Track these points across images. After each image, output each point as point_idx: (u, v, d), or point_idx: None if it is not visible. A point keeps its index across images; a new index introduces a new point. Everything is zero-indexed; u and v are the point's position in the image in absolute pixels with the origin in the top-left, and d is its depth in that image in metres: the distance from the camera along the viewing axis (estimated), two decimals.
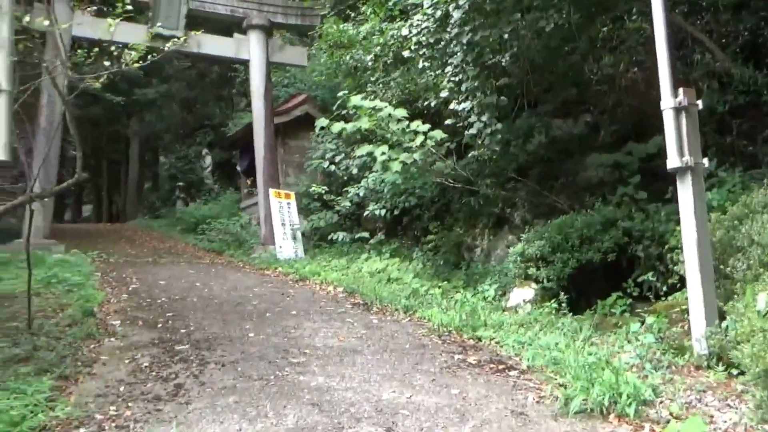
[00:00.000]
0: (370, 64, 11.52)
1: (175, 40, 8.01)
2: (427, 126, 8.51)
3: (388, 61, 10.67)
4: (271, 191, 14.06)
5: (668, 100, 5.24)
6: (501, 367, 5.37)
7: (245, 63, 14.89)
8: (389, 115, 8.65)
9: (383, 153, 8.60)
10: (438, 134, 8.52)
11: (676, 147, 5.12)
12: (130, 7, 6.69)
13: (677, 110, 5.17)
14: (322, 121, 9.48)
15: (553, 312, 7.19)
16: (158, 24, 13.36)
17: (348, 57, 12.41)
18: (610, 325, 6.66)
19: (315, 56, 16.68)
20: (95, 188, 42.27)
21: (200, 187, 24.86)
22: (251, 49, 14.38)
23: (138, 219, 26.97)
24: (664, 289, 6.69)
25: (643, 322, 6.21)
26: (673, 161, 5.13)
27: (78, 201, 45.04)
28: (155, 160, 34.22)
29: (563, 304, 7.26)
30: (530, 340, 6.08)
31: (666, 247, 6.54)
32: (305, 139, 17.00)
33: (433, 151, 8.90)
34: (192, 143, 26.95)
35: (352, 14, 17.00)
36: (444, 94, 9.21)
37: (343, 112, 11.10)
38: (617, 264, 7.47)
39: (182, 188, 24.60)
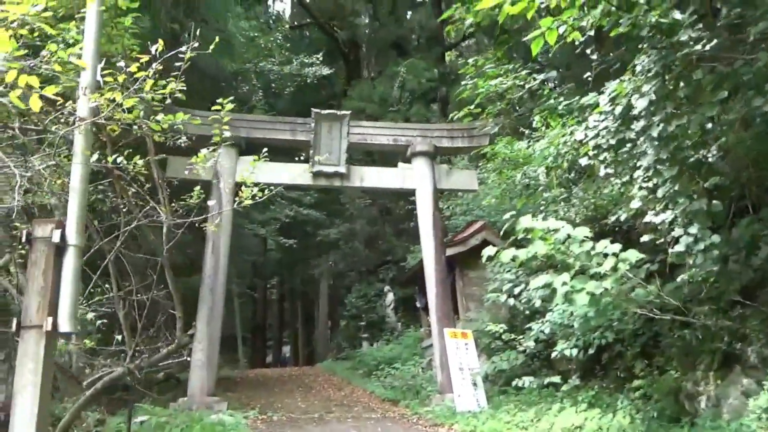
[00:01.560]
0: (542, 178, 9.96)
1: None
2: (617, 246, 6.71)
3: (563, 174, 9.02)
4: (446, 331, 12.55)
5: None
6: None
7: (412, 192, 13.93)
8: (568, 236, 6.99)
9: (564, 283, 6.86)
10: (632, 255, 6.66)
11: None
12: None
13: None
14: (488, 250, 7.93)
15: None
16: (319, 161, 12.91)
17: (520, 175, 10.98)
18: None
19: (486, 178, 15.45)
20: (293, 330, 43.20)
21: (382, 326, 23.93)
22: (416, 177, 13.43)
23: (325, 361, 26.54)
24: None
25: None
26: None
27: (279, 343, 46.20)
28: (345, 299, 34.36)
29: None
30: None
31: None
32: (485, 269, 15.65)
33: (630, 275, 7.01)
34: (374, 280, 26.48)
35: (526, 131, 15.74)
36: (635, 204, 7.38)
37: (519, 237, 9.53)
38: None
39: (365, 328, 23.85)
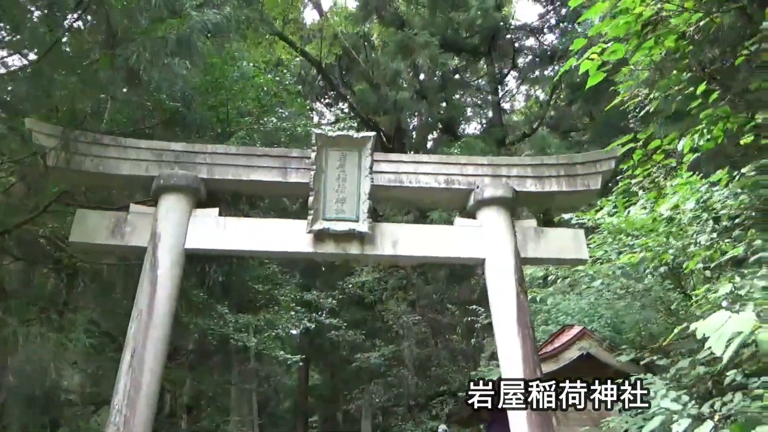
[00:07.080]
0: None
1: None
2: None
3: None
4: None
5: None
6: None
7: (478, 265, 8.40)
8: None
9: None
10: None
11: None
12: None
13: None
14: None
15: None
16: (323, 213, 7.79)
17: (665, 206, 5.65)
18: None
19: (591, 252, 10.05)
20: None
21: None
22: (486, 239, 7.90)
23: None
24: None
25: None
26: None
27: None
28: None
29: None
30: None
31: None
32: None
33: None
34: (426, 417, 20.83)
35: (638, 196, 10.70)
36: None
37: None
38: None
39: None
